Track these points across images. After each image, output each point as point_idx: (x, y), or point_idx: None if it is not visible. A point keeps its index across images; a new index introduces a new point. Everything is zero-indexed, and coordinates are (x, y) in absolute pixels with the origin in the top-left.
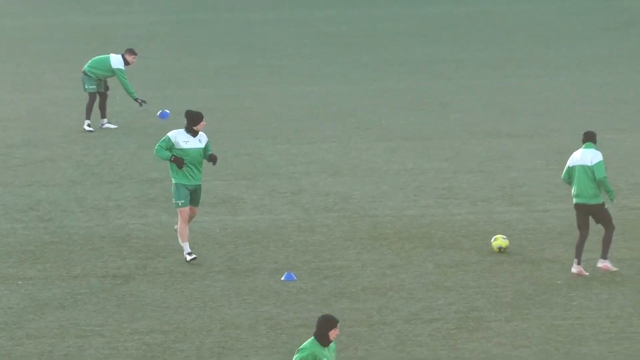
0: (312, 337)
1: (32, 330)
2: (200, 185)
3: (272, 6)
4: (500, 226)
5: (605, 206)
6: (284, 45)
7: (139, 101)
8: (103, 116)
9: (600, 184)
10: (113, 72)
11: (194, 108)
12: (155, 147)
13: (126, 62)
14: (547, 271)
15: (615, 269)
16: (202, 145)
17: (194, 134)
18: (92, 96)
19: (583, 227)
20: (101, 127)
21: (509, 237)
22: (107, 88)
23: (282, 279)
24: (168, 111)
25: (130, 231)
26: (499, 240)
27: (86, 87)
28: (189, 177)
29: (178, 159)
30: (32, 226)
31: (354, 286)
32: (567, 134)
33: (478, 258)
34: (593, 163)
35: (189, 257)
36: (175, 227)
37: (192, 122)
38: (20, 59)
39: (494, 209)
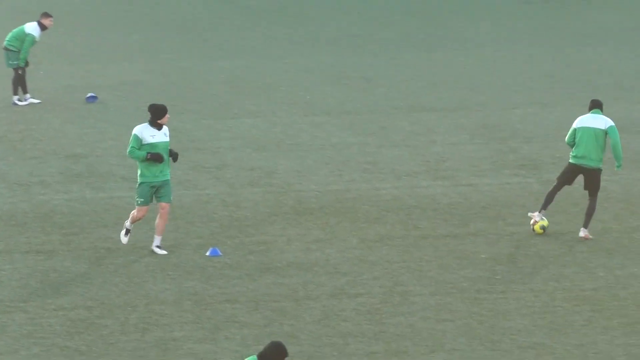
0: (256, 357)
1: None
2: (168, 180)
3: None
4: (424, 200)
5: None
6: (207, 20)
7: (21, 68)
8: (25, 91)
9: (614, 148)
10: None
11: (118, 83)
12: (129, 150)
13: (43, 27)
14: (471, 245)
15: (591, 237)
16: (168, 138)
17: (159, 127)
18: (17, 71)
19: (566, 183)
20: (23, 102)
21: (433, 211)
22: (27, 63)
23: (207, 254)
24: (95, 95)
25: (54, 207)
26: (542, 221)
27: (9, 62)
28: (157, 173)
29: (155, 155)
30: None
31: (279, 261)
32: (490, 109)
33: (403, 233)
34: (607, 126)
35: (158, 251)
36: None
37: (157, 116)
38: None
39: (419, 183)
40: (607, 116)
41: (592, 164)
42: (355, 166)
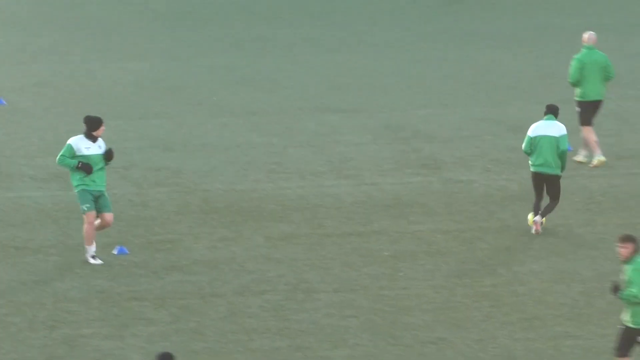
0: None
1: None
2: (104, 191)
3: None
4: (329, 199)
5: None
6: (113, 22)
7: None
8: None
9: (561, 156)
10: None
11: (27, 85)
12: (58, 157)
13: None
14: (374, 243)
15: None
16: (102, 150)
17: (94, 139)
18: None
19: (540, 192)
20: None
21: (337, 210)
22: None
23: (114, 252)
24: (3, 100)
25: None
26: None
27: None
28: (91, 182)
29: (86, 165)
30: None
31: (185, 259)
32: (393, 110)
33: (307, 231)
34: (560, 135)
35: (92, 260)
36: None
37: (92, 128)
38: None
39: (323, 182)
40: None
41: (551, 171)
42: (261, 166)
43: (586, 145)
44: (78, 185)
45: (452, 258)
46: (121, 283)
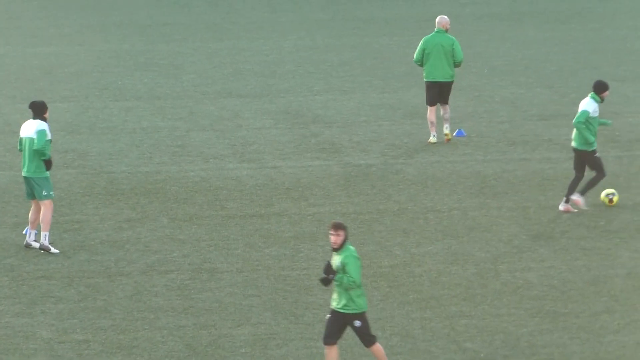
0: None
1: None
2: (29, 177)
3: None
4: (231, 182)
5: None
6: (18, 8)
7: None
8: None
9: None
10: None
11: None
12: (46, 144)
13: None
14: (275, 224)
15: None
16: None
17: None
18: None
19: (577, 170)
20: None
21: (240, 192)
22: None
23: (24, 232)
24: None
25: None
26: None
27: None
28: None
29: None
30: None
31: (92, 239)
32: (293, 95)
33: (210, 212)
34: (580, 109)
35: (32, 244)
36: None
37: (43, 111)
38: None
39: (226, 165)
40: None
41: (582, 147)
42: (165, 149)
43: (432, 125)
44: (46, 171)
45: (350, 239)
46: (30, 262)
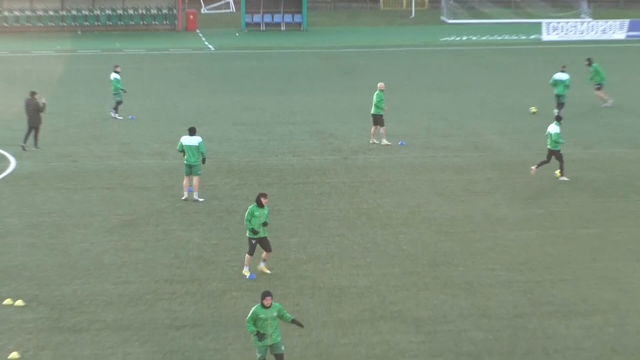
0: None
1: None
2: None
3: None
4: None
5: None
6: (182, 76)
7: None
8: None
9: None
10: None
11: None
12: (203, 150)
13: None
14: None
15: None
16: None
17: None
18: None
19: (548, 158)
20: None
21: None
22: None
23: (187, 191)
24: None
25: None
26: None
27: None
28: None
29: None
30: None
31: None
32: (321, 123)
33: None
34: (554, 132)
35: (189, 197)
36: None
37: (195, 131)
38: None
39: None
40: None
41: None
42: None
43: None
44: (202, 162)
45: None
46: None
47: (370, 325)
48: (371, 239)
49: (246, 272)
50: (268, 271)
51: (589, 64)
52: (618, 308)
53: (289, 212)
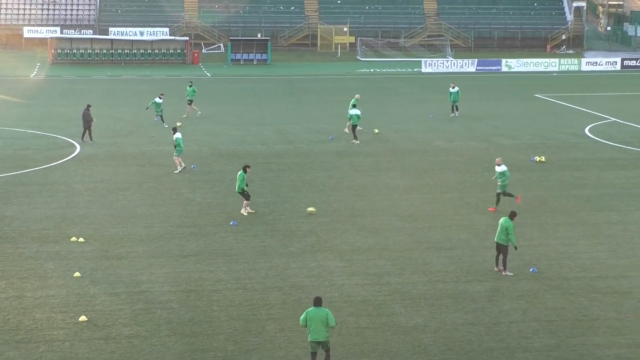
0: None
1: None
2: None
3: None
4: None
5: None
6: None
7: None
8: None
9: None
10: None
11: None
12: None
13: None
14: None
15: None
16: None
17: None
18: None
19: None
20: None
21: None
22: None
23: (192, 167)
24: None
25: None
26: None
27: None
28: None
29: None
30: None
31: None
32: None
33: None
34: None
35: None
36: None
37: None
38: None
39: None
40: None
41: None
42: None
43: None
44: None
45: None
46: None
47: (311, 255)
48: (311, 199)
49: (243, 212)
50: (246, 214)
51: (453, 87)
52: (470, 245)
53: (257, 182)
